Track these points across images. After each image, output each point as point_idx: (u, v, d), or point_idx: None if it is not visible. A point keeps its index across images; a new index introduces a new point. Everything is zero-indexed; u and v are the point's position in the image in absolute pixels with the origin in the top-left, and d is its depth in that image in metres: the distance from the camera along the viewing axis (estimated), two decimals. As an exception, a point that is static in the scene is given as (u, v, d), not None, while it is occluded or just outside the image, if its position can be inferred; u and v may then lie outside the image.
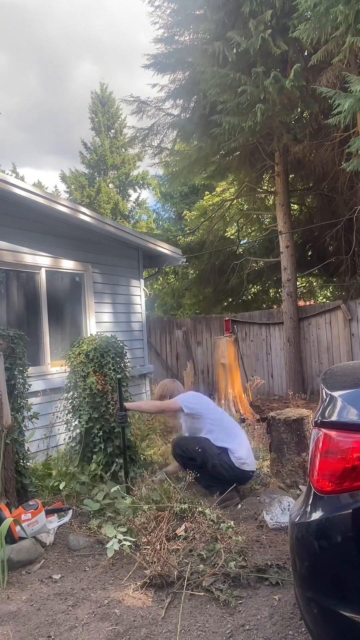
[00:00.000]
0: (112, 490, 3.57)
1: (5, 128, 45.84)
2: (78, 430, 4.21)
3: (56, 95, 51.03)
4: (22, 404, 3.73)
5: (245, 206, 12.79)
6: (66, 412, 4.30)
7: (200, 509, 3.20)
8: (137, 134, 10.11)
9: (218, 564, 2.72)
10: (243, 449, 3.91)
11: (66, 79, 52.07)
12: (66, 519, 3.44)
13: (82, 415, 4.13)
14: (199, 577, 2.65)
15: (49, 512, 3.30)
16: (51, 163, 51.17)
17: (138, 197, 26.21)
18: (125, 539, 2.89)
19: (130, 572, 2.82)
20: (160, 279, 14.36)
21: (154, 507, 3.19)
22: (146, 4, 8.97)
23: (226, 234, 13.24)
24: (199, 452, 3.80)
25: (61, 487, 3.83)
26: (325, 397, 1.83)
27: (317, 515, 1.64)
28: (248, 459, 3.89)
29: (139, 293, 7.68)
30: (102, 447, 4.07)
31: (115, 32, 51.59)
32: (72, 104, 48.78)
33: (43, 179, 53.96)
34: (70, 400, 4.26)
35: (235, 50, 7.62)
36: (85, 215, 6.02)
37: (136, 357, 7.30)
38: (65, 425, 4.33)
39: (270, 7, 7.10)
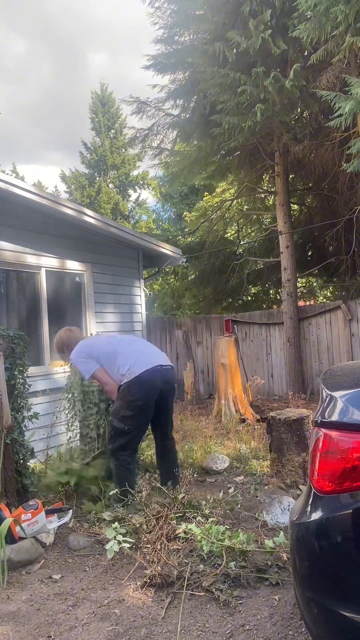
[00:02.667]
0: (111, 493, 3.56)
1: (12, 122, 46.01)
2: (78, 430, 4.22)
3: (67, 88, 51.19)
4: (22, 404, 3.73)
5: (245, 206, 12.79)
6: (66, 411, 4.30)
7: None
8: (137, 134, 10.11)
9: (218, 564, 2.72)
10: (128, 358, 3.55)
11: (79, 72, 52.33)
12: (66, 519, 3.44)
13: (81, 415, 4.13)
14: (199, 577, 2.65)
15: (49, 512, 3.30)
16: (54, 159, 51.38)
17: (138, 197, 26.25)
18: (124, 540, 2.89)
19: (131, 572, 2.82)
20: (160, 279, 14.37)
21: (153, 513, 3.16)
22: (146, 5, 8.98)
23: (226, 234, 13.24)
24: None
25: (71, 482, 3.79)
26: (325, 397, 1.83)
27: (317, 515, 1.64)
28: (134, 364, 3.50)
29: (139, 293, 7.68)
30: (100, 446, 4.07)
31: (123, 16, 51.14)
32: (80, 99, 49.05)
33: (47, 176, 54.20)
34: (70, 400, 4.26)
35: (235, 50, 7.62)
36: (90, 217, 6.05)
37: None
38: (66, 425, 4.33)
39: (270, 6, 7.10)
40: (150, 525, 3.03)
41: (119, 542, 2.86)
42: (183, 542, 2.94)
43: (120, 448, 3.54)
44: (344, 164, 6.62)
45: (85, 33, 54.75)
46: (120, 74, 53.65)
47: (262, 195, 12.06)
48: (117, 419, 3.54)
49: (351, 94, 5.62)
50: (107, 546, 2.87)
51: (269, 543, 2.83)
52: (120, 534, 2.92)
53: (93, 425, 4.10)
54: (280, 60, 7.62)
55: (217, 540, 2.78)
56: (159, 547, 2.84)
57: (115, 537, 2.88)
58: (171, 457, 3.92)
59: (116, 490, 3.45)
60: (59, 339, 3.98)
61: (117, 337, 4.09)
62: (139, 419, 3.56)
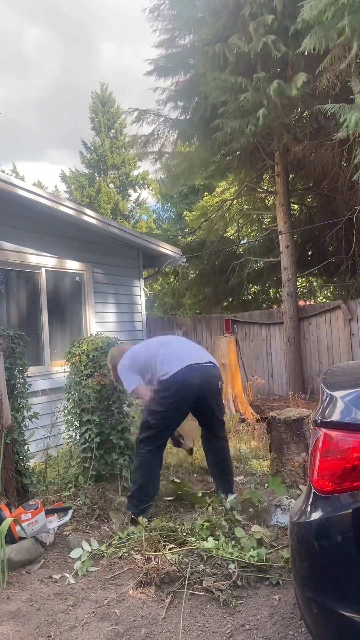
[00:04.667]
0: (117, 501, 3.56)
1: (18, 119, 45.87)
2: (78, 430, 4.21)
3: (77, 79, 51.09)
4: (22, 404, 3.73)
5: (245, 206, 12.79)
6: (66, 412, 4.30)
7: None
8: (138, 141, 10.14)
9: (218, 564, 2.72)
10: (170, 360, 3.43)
11: (89, 61, 52.28)
12: (66, 518, 3.44)
13: (82, 416, 4.12)
14: (199, 577, 2.65)
15: (49, 512, 3.30)
16: (59, 158, 51.44)
17: (138, 197, 26.26)
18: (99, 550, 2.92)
19: (131, 572, 2.82)
20: (160, 279, 14.35)
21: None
22: (147, 11, 9.00)
23: (226, 234, 13.23)
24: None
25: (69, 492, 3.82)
26: (325, 397, 1.83)
27: (317, 515, 1.64)
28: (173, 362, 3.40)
29: (139, 293, 7.68)
30: (98, 447, 4.07)
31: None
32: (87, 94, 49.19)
33: (52, 175, 54.21)
34: (70, 400, 4.26)
35: (235, 52, 7.62)
36: (90, 217, 6.05)
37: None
38: (66, 425, 4.33)
39: (270, 9, 7.09)
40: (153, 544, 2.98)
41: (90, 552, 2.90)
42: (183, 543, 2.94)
43: (143, 439, 3.47)
44: (355, 176, 6.52)
45: (95, 20, 54.56)
46: (129, 65, 53.58)
47: (262, 195, 12.06)
48: (146, 412, 3.49)
49: (355, 101, 5.56)
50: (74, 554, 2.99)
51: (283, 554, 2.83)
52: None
53: (95, 430, 4.09)
54: (280, 62, 7.63)
55: (228, 554, 2.77)
56: (159, 546, 2.84)
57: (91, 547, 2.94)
58: (219, 457, 3.72)
59: (132, 487, 3.44)
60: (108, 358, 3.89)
61: (154, 341, 3.91)
62: (166, 415, 3.40)
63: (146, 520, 3.14)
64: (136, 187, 25.67)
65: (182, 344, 3.84)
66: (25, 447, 3.70)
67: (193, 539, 2.95)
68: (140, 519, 3.06)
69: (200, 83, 8.17)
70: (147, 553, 2.84)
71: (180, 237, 14.54)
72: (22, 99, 52.17)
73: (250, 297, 13.64)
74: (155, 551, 2.82)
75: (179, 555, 2.82)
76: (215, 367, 3.61)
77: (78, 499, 3.80)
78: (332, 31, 5.65)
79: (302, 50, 6.23)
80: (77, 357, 4.24)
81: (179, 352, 3.58)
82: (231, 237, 13.27)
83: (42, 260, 5.76)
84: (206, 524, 3.09)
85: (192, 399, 3.42)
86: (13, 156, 51.09)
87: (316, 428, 1.75)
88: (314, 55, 6.48)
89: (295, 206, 12.08)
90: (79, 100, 52.15)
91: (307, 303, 12.67)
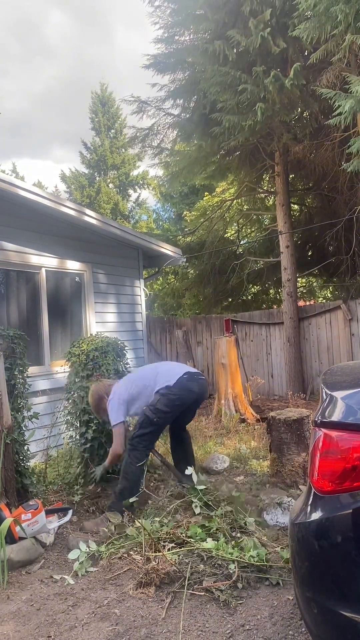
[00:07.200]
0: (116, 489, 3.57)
1: (26, 114, 45.56)
2: (78, 430, 4.21)
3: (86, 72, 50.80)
4: (22, 404, 3.73)
5: (245, 206, 12.78)
6: (66, 412, 4.30)
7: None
8: (137, 134, 10.11)
9: (218, 564, 2.72)
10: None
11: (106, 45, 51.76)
12: (66, 518, 3.44)
13: (82, 416, 4.12)
14: (199, 577, 2.65)
15: (49, 512, 3.30)
16: (60, 156, 51.42)
17: (138, 197, 26.25)
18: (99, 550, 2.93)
19: (131, 572, 2.82)
20: (160, 279, 14.36)
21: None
22: (146, 4, 8.97)
23: (226, 234, 13.23)
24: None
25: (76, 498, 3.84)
26: (325, 397, 1.83)
27: (317, 515, 1.64)
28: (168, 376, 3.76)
29: (139, 293, 7.68)
30: (98, 447, 4.07)
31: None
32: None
33: (54, 173, 54.18)
34: (70, 400, 4.26)
35: (235, 49, 7.62)
36: (90, 217, 6.05)
37: (137, 357, 7.31)
38: (66, 425, 4.33)
39: (270, 6, 7.09)
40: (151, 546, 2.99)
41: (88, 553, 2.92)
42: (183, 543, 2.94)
43: (142, 436, 3.62)
44: (344, 164, 6.61)
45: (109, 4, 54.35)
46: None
47: (262, 195, 12.05)
48: (150, 409, 3.63)
49: (351, 92, 5.61)
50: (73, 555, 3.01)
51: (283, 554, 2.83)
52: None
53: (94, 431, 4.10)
54: (280, 59, 7.62)
55: (228, 554, 2.78)
56: (159, 546, 2.84)
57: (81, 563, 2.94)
58: (186, 444, 4.20)
59: (123, 484, 3.49)
60: (94, 394, 3.94)
61: (147, 368, 4.21)
62: (169, 416, 3.71)
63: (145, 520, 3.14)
64: (136, 187, 25.66)
65: (176, 363, 4.35)
66: (25, 447, 3.70)
67: (192, 539, 2.95)
68: (143, 522, 3.06)
69: (199, 80, 8.16)
70: (146, 553, 2.84)
71: (180, 237, 14.54)
72: (30, 95, 52.25)
73: (250, 297, 13.63)
74: (155, 551, 2.82)
75: (179, 556, 2.81)
76: (205, 380, 4.05)
77: (78, 498, 3.80)
78: (327, 23, 5.74)
79: (295, 35, 6.28)
80: (77, 357, 4.24)
81: (175, 366, 4.04)
82: (231, 237, 13.27)
83: (43, 261, 5.76)
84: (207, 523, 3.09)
85: (189, 404, 3.82)
86: (19, 153, 50.99)
87: (316, 428, 1.75)
88: (313, 53, 6.48)
89: (295, 206, 12.07)
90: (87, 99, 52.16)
91: (307, 303, 12.66)
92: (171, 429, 4.14)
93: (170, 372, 3.83)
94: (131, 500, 3.37)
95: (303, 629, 2.21)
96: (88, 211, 6.08)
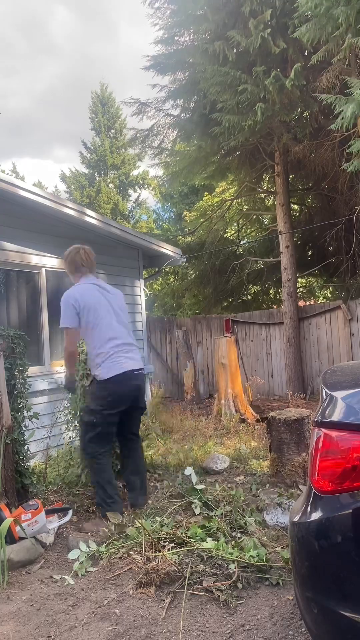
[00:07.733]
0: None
1: (26, 114, 45.41)
2: (78, 430, 4.21)
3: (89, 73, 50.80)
4: (22, 404, 3.73)
5: (245, 206, 12.79)
6: (66, 412, 4.30)
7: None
8: (137, 135, 10.12)
9: (218, 564, 2.72)
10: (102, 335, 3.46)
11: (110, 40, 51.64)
12: (66, 518, 3.44)
13: (80, 416, 4.12)
14: (199, 577, 2.65)
15: (49, 512, 3.30)
16: (61, 156, 51.42)
17: (138, 197, 26.27)
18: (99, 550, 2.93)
19: (131, 572, 2.82)
20: (160, 279, 14.36)
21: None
22: (146, 6, 8.98)
23: (226, 234, 13.23)
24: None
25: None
26: (325, 397, 1.83)
27: (317, 515, 1.64)
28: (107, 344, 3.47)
29: (139, 293, 7.68)
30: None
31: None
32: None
33: (52, 174, 54.18)
34: (70, 401, 4.25)
35: (235, 50, 7.63)
36: (91, 217, 6.05)
37: (136, 357, 7.29)
38: (66, 425, 4.33)
39: (270, 6, 7.10)
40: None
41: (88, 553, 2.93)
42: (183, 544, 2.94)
43: (89, 440, 3.59)
44: (344, 164, 6.62)
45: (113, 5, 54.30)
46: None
47: (262, 195, 12.06)
48: (86, 413, 3.62)
49: (352, 94, 5.61)
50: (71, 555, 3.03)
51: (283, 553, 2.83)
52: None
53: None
54: (280, 59, 7.63)
55: (228, 554, 2.78)
56: (159, 546, 2.84)
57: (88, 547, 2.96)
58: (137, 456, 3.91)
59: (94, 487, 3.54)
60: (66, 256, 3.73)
61: (106, 307, 3.66)
62: (106, 414, 3.56)
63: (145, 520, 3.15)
64: (136, 187, 25.67)
65: (122, 333, 3.67)
66: (25, 447, 3.70)
67: (192, 539, 2.95)
68: (143, 522, 3.07)
69: (199, 80, 8.17)
70: (146, 553, 2.84)
71: (180, 237, 14.55)
72: (32, 94, 52.25)
73: (250, 297, 13.64)
74: (155, 551, 2.82)
75: (179, 556, 2.82)
76: (142, 374, 3.74)
77: (78, 498, 3.80)
78: (328, 24, 5.74)
79: (296, 36, 6.27)
80: (77, 356, 4.23)
81: (120, 348, 3.57)
82: (231, 238, 13.27)
83: (43, 261, 5.76)
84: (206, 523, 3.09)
85: (125, 403, 3.62)
86: (19, 153, 51.00)
87: (316, 428, 1.75)
88: (313, 53, 6.49)
89: (295, 206, 12.08)
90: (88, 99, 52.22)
91: (307, 303, 12.67)
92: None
93: (107, 356, 3.51)
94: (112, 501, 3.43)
95: (303, 629, 2.21)
96: (88, 211, 6.09)
